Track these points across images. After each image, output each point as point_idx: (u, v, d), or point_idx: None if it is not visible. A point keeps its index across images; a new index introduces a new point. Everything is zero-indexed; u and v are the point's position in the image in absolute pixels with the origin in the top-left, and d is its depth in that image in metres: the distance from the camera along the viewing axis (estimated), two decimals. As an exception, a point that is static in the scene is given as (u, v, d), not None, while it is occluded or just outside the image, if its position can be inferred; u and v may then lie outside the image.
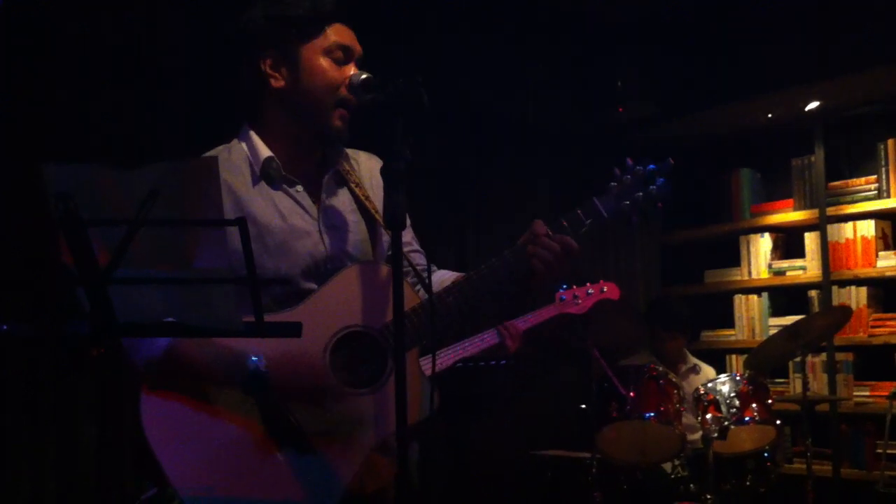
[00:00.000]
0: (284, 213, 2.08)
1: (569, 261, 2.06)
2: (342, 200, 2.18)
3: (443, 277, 2.24)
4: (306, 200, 2.12)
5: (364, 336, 2.00)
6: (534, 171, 5.35)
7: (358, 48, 2.11)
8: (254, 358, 1.89)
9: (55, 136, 3.50)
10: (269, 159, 2.09)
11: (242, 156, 2.11)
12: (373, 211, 2.17)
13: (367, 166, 2.25)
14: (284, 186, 2.11)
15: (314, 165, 2.17)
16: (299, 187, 2.12)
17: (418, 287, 2.16)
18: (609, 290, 3.69)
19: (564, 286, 3.66)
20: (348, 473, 1.92)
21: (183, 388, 1.88)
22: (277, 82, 2.09)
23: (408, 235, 2.29)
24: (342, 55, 2.08)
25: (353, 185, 2.18)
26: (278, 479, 1.88)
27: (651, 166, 2.14)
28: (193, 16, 3.81)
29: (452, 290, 2.06)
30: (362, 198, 2.17)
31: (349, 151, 2.22)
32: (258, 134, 2.13)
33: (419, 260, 2.27)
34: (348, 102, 2.07)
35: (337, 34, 2.08)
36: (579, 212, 2.10)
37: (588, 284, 3.68)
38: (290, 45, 2.07)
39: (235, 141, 2.15)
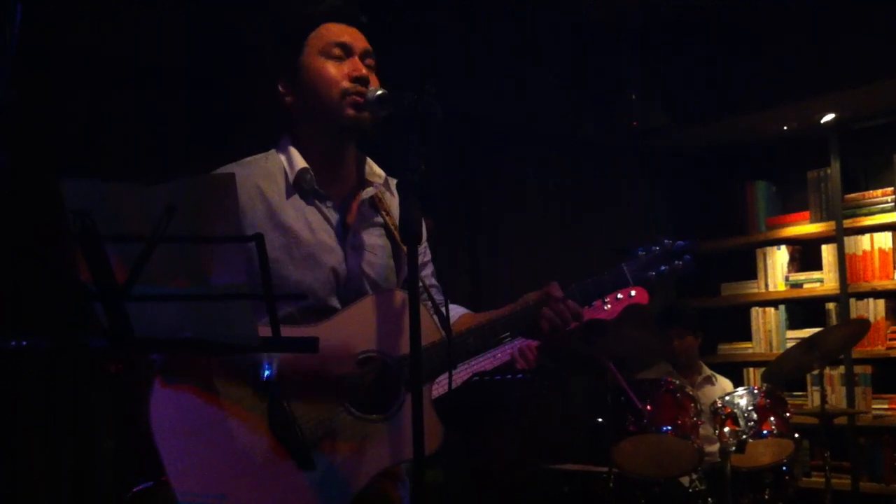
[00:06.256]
0: (314, 226, 2.08)
1: (575, 327, 2.15)
2: (372, 224, 2.17)
3: (458, 312, 2.27)
4: (335, 218, 2.12)
5: (379, 362, 2.00)
6: (546, 181, 5.35)
7: (359, 43, 2.10)
8: (266, 365, 1.89)
9: (69, 149, 3.53)
10: (303, 170, 2.08)
11: (279, 166, 2.11)
12: (399, 241, 2.16)
13: None
14: (316, 201, 2.11)
15: (349, 186, 2.16)
16: (329, 203, 2.12)
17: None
18: (638, 294, 3.55)
19: None
20: (349, 496, 1.91)
21: (197, 386, 1.88)
22: (290, 97, 2.11)
23: (427, 270, 2.28)
24: (341, 51, 2.07)
25: (384, 213, 2.18)
26: (279, 494, 1.88)
27: (680, 242, 2.23)
28: (199, 24, 3.83)
29: (473, 332, 2.08)
30: (391, 226, 2.17)
31: (389, 179, 2.21)
32: (296, 147, 2.13)
33: (434, 294, 2.25)
34: (354, 93, 2.04)
35: (329, 32, 2.08)
36: (606, 275, 2.20)
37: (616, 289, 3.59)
38: (293, 62, 2.10)
39: (273, 151, 2.16)
